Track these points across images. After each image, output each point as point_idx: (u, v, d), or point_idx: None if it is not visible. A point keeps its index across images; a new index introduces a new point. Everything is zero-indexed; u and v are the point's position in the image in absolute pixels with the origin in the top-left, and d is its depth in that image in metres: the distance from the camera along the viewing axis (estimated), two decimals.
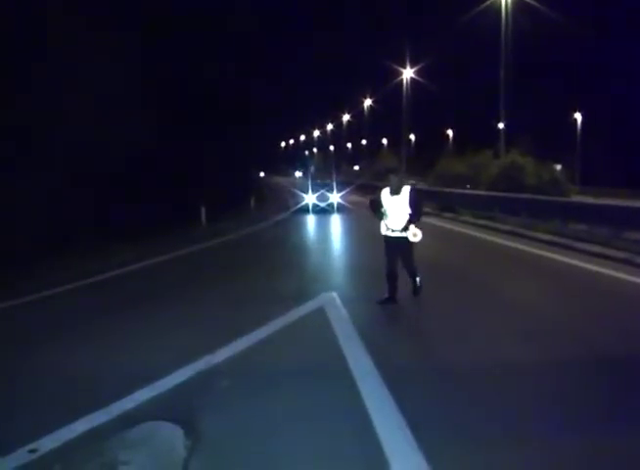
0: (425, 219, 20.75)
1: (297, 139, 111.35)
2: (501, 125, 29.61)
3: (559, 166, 28.51)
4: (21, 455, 3.84)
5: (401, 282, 7.86)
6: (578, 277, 10.12)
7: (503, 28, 27.93)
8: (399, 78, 48.50)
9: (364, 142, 75.92)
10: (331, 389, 4.89)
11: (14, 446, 3.93)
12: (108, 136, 14.95)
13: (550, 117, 47.59)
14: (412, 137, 63.59)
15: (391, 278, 7.77)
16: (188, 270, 11.71)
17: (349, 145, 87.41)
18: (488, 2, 28.82)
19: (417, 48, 46.67)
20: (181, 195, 19.36)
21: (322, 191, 26.37)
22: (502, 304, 8.04)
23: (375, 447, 3.81)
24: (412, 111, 49.19)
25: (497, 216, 19.06)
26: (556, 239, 14.03)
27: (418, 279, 8.02)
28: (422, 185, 33.65)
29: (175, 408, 4.51)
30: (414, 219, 7.73)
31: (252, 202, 30.03)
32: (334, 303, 7.90)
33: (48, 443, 3.98)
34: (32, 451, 3.88)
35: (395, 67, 47.73)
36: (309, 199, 26.09)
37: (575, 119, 54.95)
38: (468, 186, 26.10)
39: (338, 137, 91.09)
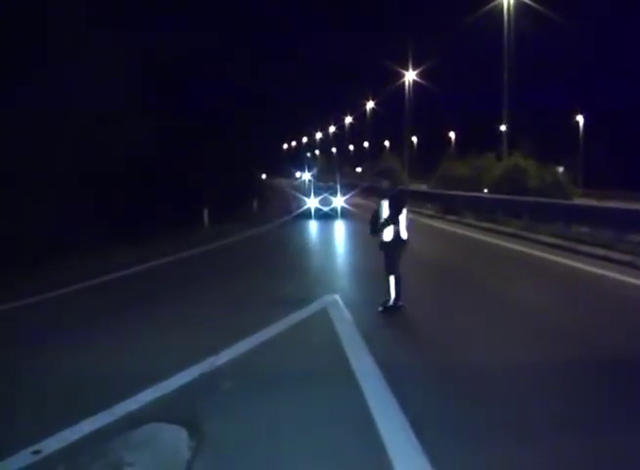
0: (428, 222, 21.02)
1: (299, 141, 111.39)
2: (503, 128, 29.61)
3: (561, 169, 28.49)
4: (24, 457, 3.83)
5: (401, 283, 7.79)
6: (582, 280, 10.10)
7: (505, 31, 27.94)
8: (402, 81, 48.56)
9: (366, 144, 76.01)
10: (334, 390, 4.88)
11: (17, 447, 3.92)
12: (109, 137, 14.98)
13: (552, 119, 47.62)
14: (414, 139, 63.62)
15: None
16: (191, 272, 11.70)
17: (352, 147, 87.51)
18: (491, 4, 28.84)
19: (419, 50, 46.66)
20: (183, 196, 19.36)
21: (325, 195, 24.70)
22: (505, 306, 8.03)
23: (378, 449, 3.80)
24: (414, 113, 49.29)
25: (500, 219, 19.04)
26: (559, 242, 14.01)
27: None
28: (424, 188, 33.70)
29: (179, 410, 4.50)
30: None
31: (255, 204, 30.03)
32: (336, 305, 7.90)
33: (52, 444, 3.97)
34: (36, 453, 3.87)
35: (398, 69, 47.81)
36: (311, 203, 24.45)
37: (578, 122, 54.94)
38: (486, 190, 24.75)
39: (340, 139, 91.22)
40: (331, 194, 24.67)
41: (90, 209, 14.50)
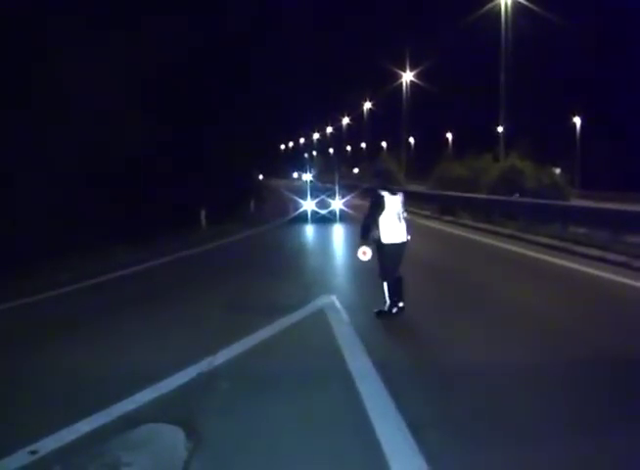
0: (424, 222, 21.03)
1: (296, 142, 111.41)
2: (500, 129, 29.66)
3: (558, 170, 28.54)
4: (21, 457, 3.84)
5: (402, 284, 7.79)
6: (577, 281, 10.13)
7: (503, 32, 28.01)
8: (399, 81, 48.64)
9: (363, 145, 76.06)
10: (331, 390, 4.90)
11: (14, 447, 3.92)
12: (108, 137, 14.98)
13: (549, 120, 47.70)
14: (411, 140, 63.68)
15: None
16: (188, 272, 11.72)
17: (349, 148, 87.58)
18: (489, 5, 28.90)
19: (417, 51, 46.77)
20: (181, 197, 19.36)
21: (323, 197, 23.14)
22: (501, 307, 8.06)
23: (375, 449, 3.81)
24: (411, 114, 49.37)
25: (497, 220, 19.07)
26: (555, 242, 14.04)
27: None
28: (421, 188, 33.70)
29: (176, 410, 4.51)
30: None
31: (252, 204, 30.03)
32: (333, 305, 7.91)
33: (49, 444, 3.97)
34: (33, 453, 3.87)
35: (395, 70, 47.90)
36: (308, 205, 22.88)
37: (575, 123, 55.06)
38: (517, 194, 22.49)
39: (337, 140, 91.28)
40: (329, 196, 23.20)
41: (90, 209, 14.51)
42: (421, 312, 7.65)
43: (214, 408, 4.60)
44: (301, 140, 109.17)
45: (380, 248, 7.28)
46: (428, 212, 24.80)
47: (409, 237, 7.40)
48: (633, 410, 4.50)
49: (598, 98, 47.37)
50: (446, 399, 4.75)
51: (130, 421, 4.29)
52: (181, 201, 19.15)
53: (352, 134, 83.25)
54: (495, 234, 16.90)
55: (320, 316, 7.36)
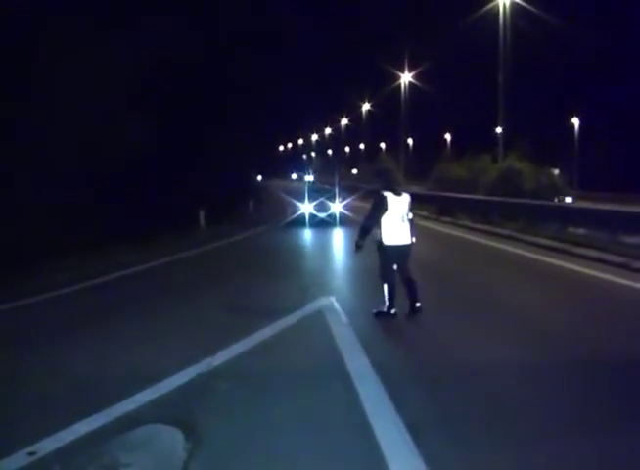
0: (423, 223, 21.01)
1: (295, 143, 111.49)
2: (499, 130, 29.67)
3: (557, 171, 28.55)
4: (20, 458, 3.83)
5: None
6: (576, 282, 10.15)
7: (501, 33, 28.02)
8: (398, 83, 48.65)
9: (362, 146, 76.06)
10: (329, 391, 4.90)
11: (13, 448, 3.91)
12: (108, 137, 14.99)
13: (548, 121, 47.75)
14: (410, 141, 63.68)
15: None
16: (188, 273, 11.72)
17: (348, 149, 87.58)
18: (487, 7, 28.91)
19: (415, 52, 46.76)
20: (180, 197, 19.37)
21: (321, 199, 21.78)
22: (500, 308, 8.06)
23: (374, 450, 3.81)
24: (410, 115, 49.37)
25: (496, 221, 19.08)
26: (554, 244, 14.05)
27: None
28: (420, 189, 33.66)
29: (176, 411, 4.51)
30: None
31: (251, 205, 30.02)
32: (332, 307, 7.91)
33: (47, 445, 3.97)
34: (32, 454, 3.86)
35: (394, 71, 47.89)
36: (306, 208, 21.59)
37: (573, 124, 55.11)
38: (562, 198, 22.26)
39: (336, 141, 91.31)
40: (328, 198, 21.90)
41: (90, 209, 14.52)
42: (420, 313, 7.65)
43: (213, 409, 4.60)
44: (300, 141, 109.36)
45: (381, 249, 7.24)
46: (426, 214, 24.79)
47: (414, 239, 7.34)
48: (633, 411, 4.51)
49: (597, 98, 47.46)
50: (445, 399, 4.75)
51: (129, 422, 4.28)
52: (180, 201, 19.16)
53: (351, 135, 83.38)
54: (494, 235, 16.91)
55: (319, 317, 7.36)
